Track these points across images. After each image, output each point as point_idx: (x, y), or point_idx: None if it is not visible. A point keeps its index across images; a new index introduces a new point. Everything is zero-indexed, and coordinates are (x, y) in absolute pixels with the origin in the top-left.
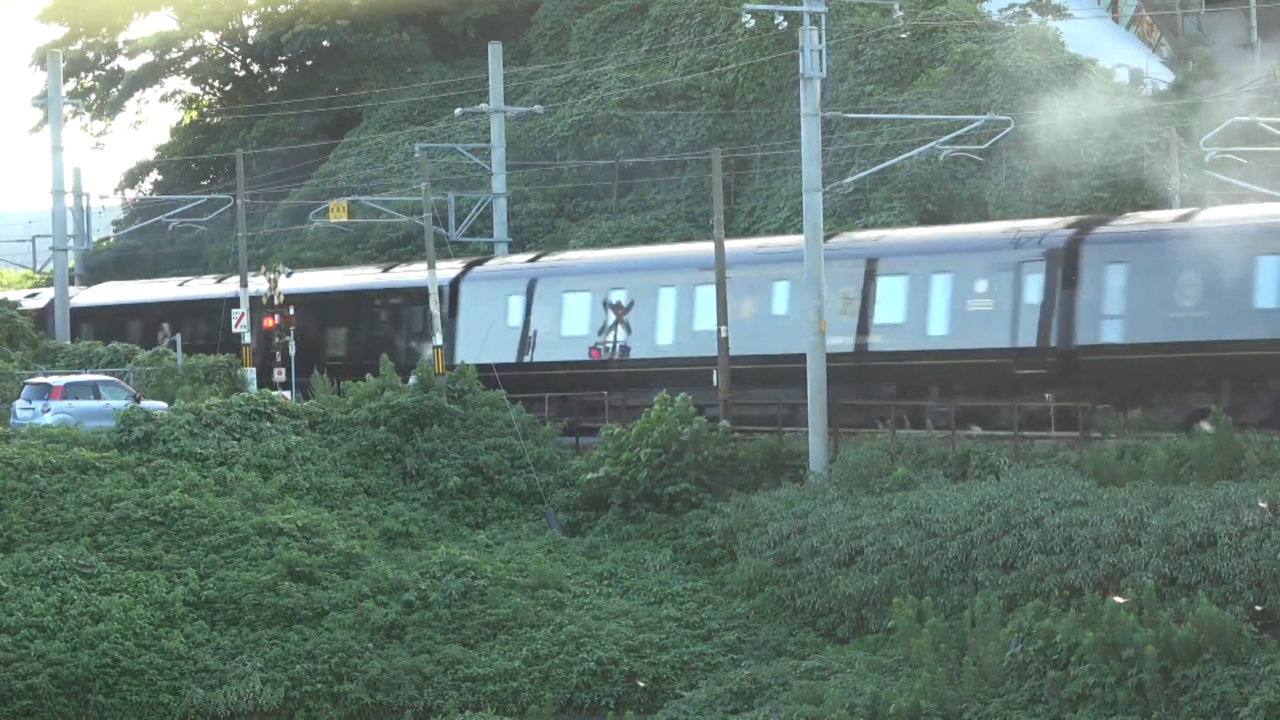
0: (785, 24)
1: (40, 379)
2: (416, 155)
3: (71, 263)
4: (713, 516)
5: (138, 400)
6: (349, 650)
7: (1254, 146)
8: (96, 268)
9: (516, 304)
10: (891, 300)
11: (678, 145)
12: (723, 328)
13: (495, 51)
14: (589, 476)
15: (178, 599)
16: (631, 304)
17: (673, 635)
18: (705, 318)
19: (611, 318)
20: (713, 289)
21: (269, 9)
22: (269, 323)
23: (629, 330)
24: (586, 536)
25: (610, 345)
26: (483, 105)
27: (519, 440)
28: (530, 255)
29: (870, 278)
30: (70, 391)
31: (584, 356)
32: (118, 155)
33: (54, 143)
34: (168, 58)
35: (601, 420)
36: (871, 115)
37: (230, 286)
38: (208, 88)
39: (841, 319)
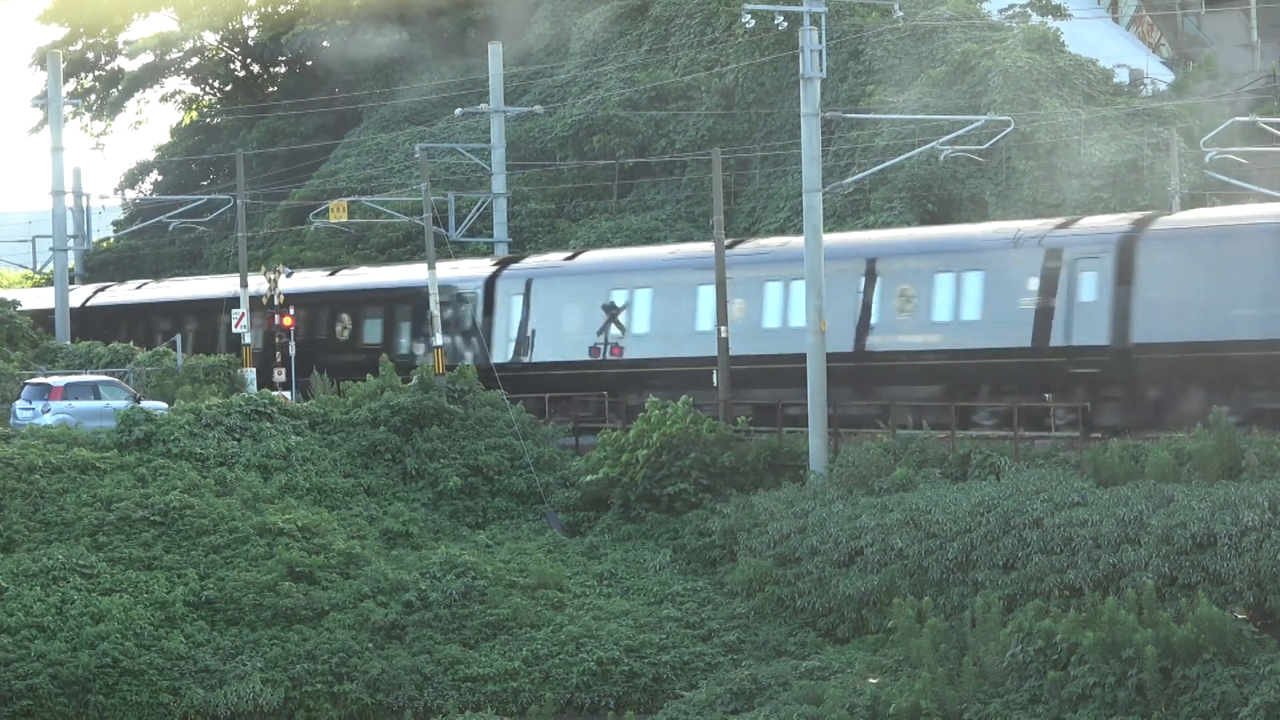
0: (785, 24)
1: (40, 379)
2: (416, 155)
3: (71, 263)
4: (713, 517)
5: (138, 400)
6: (349, 650)
7: (1254, 146)
8: (96, 268)
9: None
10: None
11: (678, 145)
12: (723, 328)
13: (495, 51)
14: (588, 479)
15: (178, 599)
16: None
17: (673, 635)
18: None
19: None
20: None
21: (269, 9)
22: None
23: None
24: (586, 537)
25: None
26: (483, 105)
27: (519, 440)
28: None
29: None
30: (70, 392)
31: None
32: (118, 155)
33: (54, 143)
34: (168, 58)
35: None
36: (871, 115)
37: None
38: (208, 88)
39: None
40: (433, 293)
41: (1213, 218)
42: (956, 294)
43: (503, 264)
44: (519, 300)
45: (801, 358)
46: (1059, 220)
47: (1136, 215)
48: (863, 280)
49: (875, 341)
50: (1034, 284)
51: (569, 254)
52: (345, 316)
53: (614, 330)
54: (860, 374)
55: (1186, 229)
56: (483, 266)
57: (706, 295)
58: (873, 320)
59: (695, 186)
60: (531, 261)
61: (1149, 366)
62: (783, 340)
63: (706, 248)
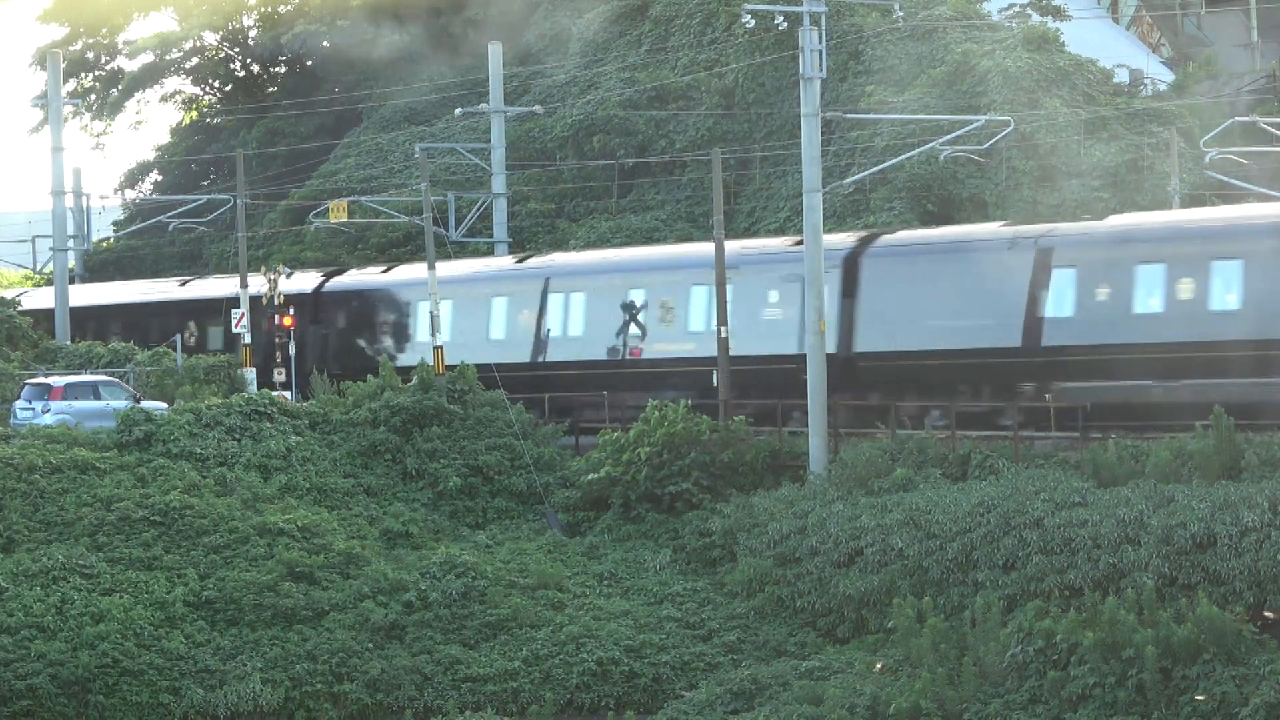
0: (785, 24)
1: (40, 379)
2: (416, 155)
3: (71, 263)
4: (713, 517)
5: (138, 400)
6: (349, 650)
7: (1254, 146)
8: (97, 268)
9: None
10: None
11: (678, 145)
12: (722, 328)
13: (495, 51)
14: (590, 478)
15: (178, 599)
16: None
17: (673, 635)
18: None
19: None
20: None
21: (269, 9)
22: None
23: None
24: (586, 537)
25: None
26: (483, 105)
27: (519, 440)
28: None
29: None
30: (70, 392)
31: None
32: (118, 155)
33: (54, 143)
34: (168, 58)
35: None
36: (871, 115)
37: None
38: (208, 88)
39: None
40: (433, 292)
41: (920, 237)
42: (709, 306)
43: (328, 276)
44: (341, 312)
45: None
46: (796, 238)
47: (864, 233)
48: (638, 293)
49: (647, 349)
50: (775, 296)
51: (383, 268)
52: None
53: (419, 340)
54: (630, 380)
55: (897, 247)
56: (310, 279)
57: (498, 306)
58: (644, 330)
59: (695, 186)
60: (351, 276)
61: (869, 374)
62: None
63: (500, 263)
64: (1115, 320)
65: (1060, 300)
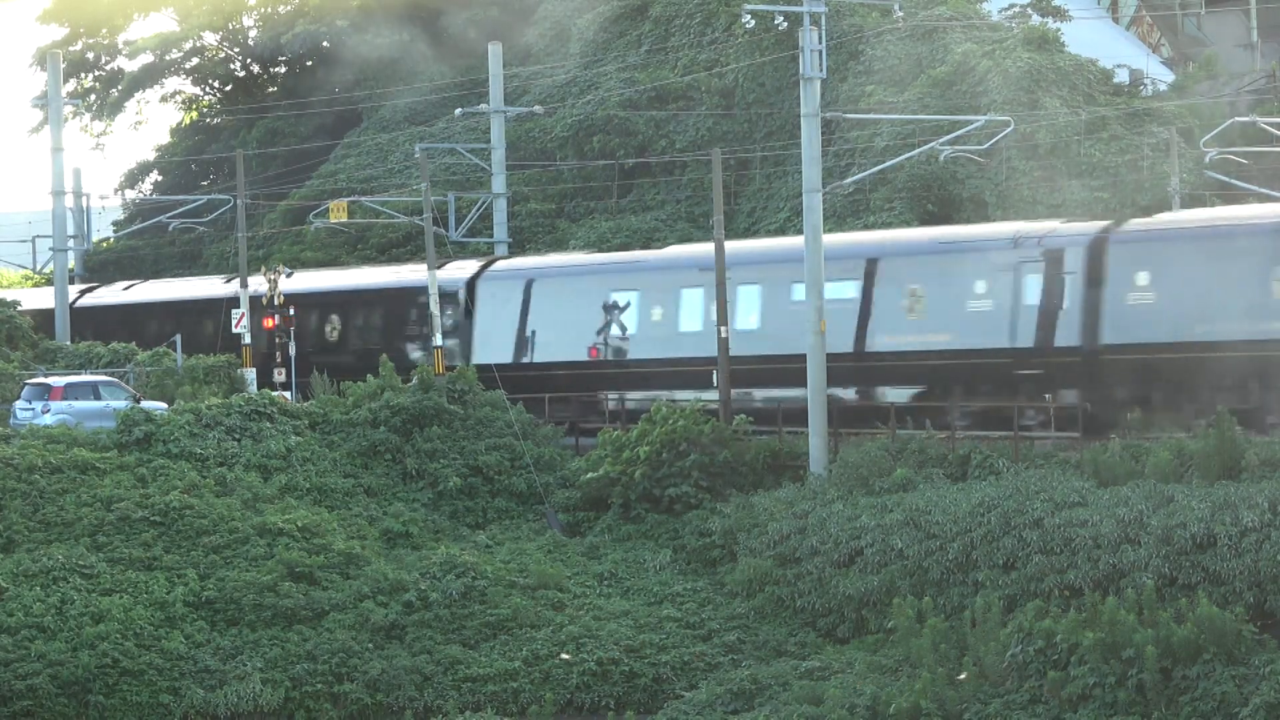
0: (785, 24)
1: (40, 379)
2: (416, 155)
3: (72, 263)
4: (713, 517)
5: (138, 401)
6: (349, 650)
7: (1254, 146)
8: (97, 268)
9: None
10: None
11: (678, 145)
12: (723, 328)
13: (495, 51)
14: (589, 476)
15: (178, 599)
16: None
17: (673, 635)
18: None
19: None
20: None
21: (269, 9)
22: (269, 323)
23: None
24: (586, 537)
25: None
26: (483, 105)
27: (519, 440)
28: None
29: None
30: (70, 392)
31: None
32: (118, 155)
33: (54, 143)
34: (168, 58)
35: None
36: (871, 115)
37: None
38: (208, 88)
39: None
40: (432, 293)
41: (519, 264)
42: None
43: (84, 293)
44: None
45: None
46: (453, 260)
47: (484, 259)
48: (336, 314)
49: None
50: (412, 314)
51: (126, 286)
52: None
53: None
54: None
55: (501, 272)
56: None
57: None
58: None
59: (695, 186)
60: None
61: (488, 384)
62: None
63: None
64: (667, 337)
65: (627, 321)
